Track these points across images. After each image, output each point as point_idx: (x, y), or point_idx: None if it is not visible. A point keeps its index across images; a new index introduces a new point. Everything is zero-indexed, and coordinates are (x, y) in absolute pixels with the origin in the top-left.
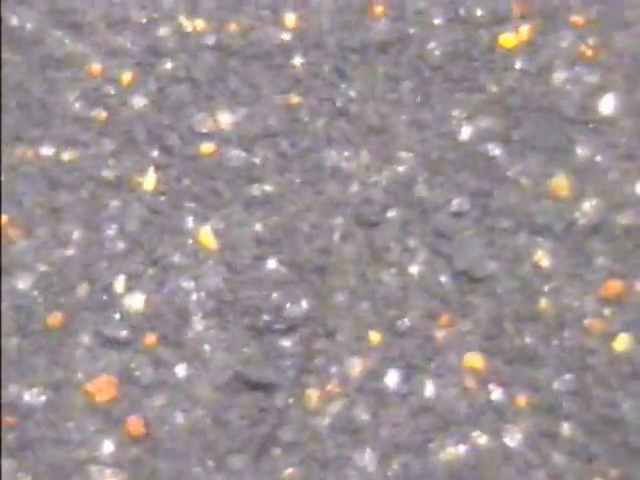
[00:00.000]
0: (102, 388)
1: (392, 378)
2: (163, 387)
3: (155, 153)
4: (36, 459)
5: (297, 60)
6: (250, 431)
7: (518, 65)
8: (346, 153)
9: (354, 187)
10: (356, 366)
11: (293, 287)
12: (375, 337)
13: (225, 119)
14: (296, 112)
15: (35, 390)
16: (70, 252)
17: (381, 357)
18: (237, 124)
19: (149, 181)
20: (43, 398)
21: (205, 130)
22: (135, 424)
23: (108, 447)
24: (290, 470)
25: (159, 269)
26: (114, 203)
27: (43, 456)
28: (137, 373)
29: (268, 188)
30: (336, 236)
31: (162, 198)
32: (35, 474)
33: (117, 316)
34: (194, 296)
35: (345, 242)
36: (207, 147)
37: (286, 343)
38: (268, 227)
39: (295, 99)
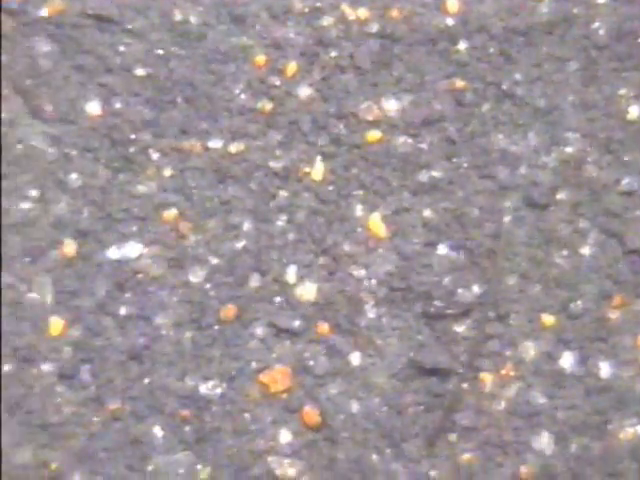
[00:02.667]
0: (277, 379)
1: (567, 360)
2: (337, 376)
3: (322, 142)
4: (214, 451)
5: (461, 45)
6: (426, 417)
7: None
8: (513, 136)
9: (522, 170)
10: (530, 349)
11: (464, 272)
12: (548, 320)
13: (391, 106)
14: (462, 97)
15: (211, 382)
16: (241, 244)
17: (555, 339)
18: (403, 111)
19: (317, 171)
20: (219, 390)
21: (371, 118)
22: (311, 413)
23: (285, 437)
24: (467, 455)
25: (329, 258)
26: (283, 194)
27: (221, 447)
28: (311, 363)
29: (436, 174)
30: (506, 219)
31: (330, 187)
32: (214, 465)
33: (289, 306)
34: (365, 284)
35: (515, 225)
36: (374, 135)
37: (459, 328)
38: (437, 213)
39: (460, 83)
